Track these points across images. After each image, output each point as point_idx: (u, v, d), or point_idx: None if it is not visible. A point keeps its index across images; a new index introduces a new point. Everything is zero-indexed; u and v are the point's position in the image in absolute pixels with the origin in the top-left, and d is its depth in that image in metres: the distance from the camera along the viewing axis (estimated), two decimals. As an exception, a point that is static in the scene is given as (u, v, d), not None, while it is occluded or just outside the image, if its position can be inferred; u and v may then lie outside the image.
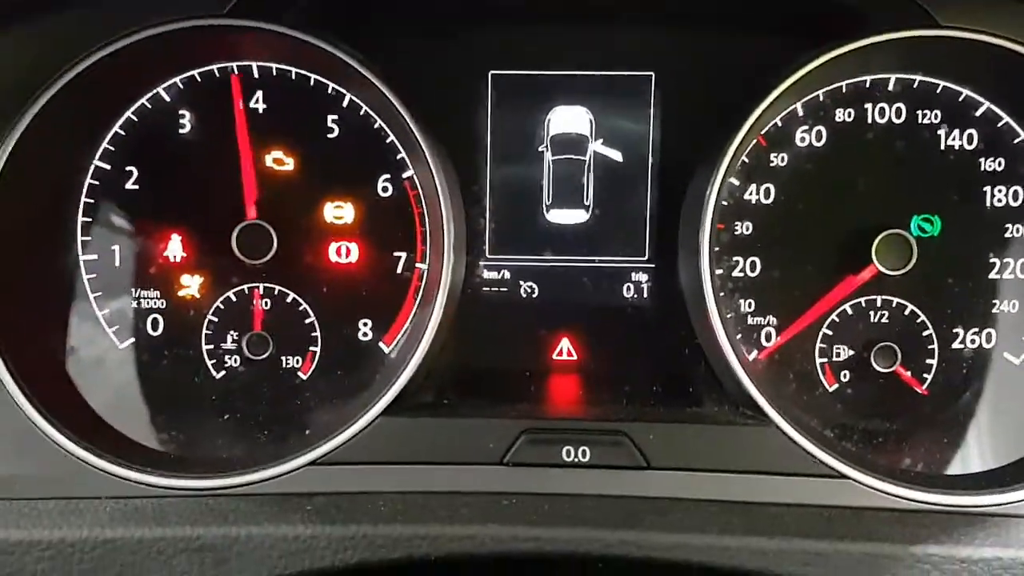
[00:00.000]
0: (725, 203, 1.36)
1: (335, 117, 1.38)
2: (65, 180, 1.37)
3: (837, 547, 1.09)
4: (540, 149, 1.45)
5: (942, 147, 1.36)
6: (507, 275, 1.47)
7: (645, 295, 1.47)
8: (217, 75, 1.38)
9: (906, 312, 1.38)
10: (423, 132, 1.28)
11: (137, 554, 1.09)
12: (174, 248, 1.40)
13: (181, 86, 1.38)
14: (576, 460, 1.21)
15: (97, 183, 1.38)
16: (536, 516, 1.13)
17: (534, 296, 1.47)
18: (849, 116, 1.37)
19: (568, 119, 1.45)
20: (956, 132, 1.36)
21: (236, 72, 1.37)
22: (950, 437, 1.36)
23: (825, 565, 1.08)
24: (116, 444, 1.26)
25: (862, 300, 1.38)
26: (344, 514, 1.14)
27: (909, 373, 1.38)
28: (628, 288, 1.47)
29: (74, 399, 1.33)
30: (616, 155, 1.45)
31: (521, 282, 1.47)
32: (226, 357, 1.41)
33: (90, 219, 1.39)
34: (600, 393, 1.40)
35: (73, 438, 1.22)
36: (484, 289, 1.47)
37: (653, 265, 1.46)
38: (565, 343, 1.48)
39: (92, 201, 1.38)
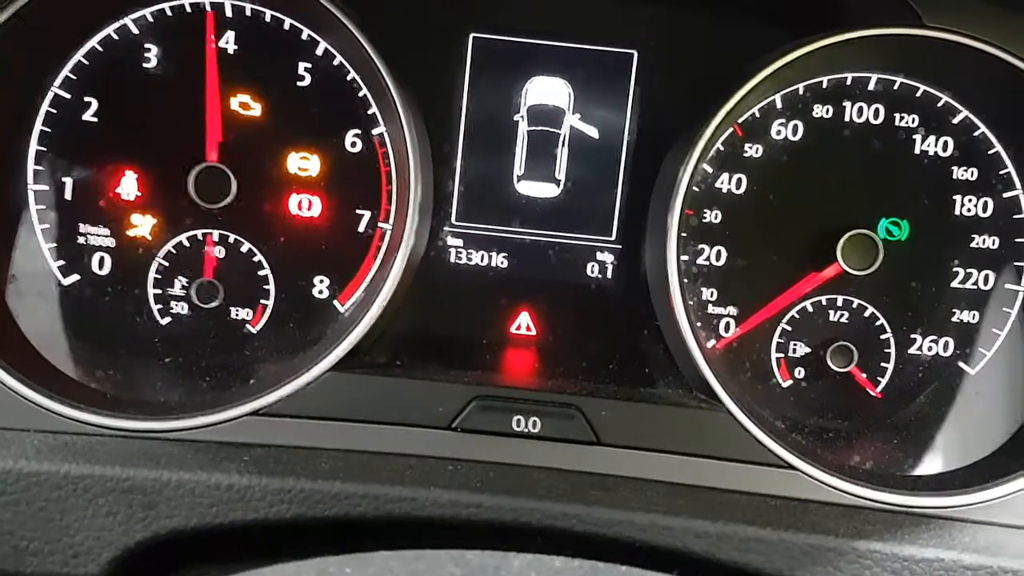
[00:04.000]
0: (696, 189, 1.35)
1: (308, 65, 1.35)
2: (21, 106, 1.32)
3: (781, 536, 1.08)
4: (516, 118, 1.42)
5: (916, 151, 1.36)
6: (471, 243, 1.44)
7: (609, 275, 1.45)
8: (188, 10, 1.34)
9: (866, 314, 1.38)
10: (398, 88, 1.25)
11: (62, 490, 1.05)
12: (128, 185, 1.36)
13: (150, 19, 1.34)
14: (526, 430, 1.19)
15: (55, 111, 1.33)
16: (481, 483, 1.10)
17: (497, 267, 1.44)
18: (827, 112, 1.36)
19: (547, 90, 1.42)
20: (932, 138, 1.36)
21: (209, 9, 1.33)
22: (900, 439, 1.36)
23: (767, 553, 1.07)
24: (49, 378, 1.22)
25: (823, 298, 1.38)
26: (283, 467, 1.10)
27: (864, 375, 1.38)
28: (592, 267, 1.45)
29: (9, 329, 1.28)
30: (592, 131, 1.43)
31: (485, 251, 1.44)
32: (173, 303, 1.37)
33: (44, 148, 1.34)
34: (555, 366, 1.38)
35: (5, 367, 1.17)
36: (446, 255, 1.44)
37: (620, 246, 1.44)
38: (524, 317, 1.45)
39: (48, 130, 1.34)
